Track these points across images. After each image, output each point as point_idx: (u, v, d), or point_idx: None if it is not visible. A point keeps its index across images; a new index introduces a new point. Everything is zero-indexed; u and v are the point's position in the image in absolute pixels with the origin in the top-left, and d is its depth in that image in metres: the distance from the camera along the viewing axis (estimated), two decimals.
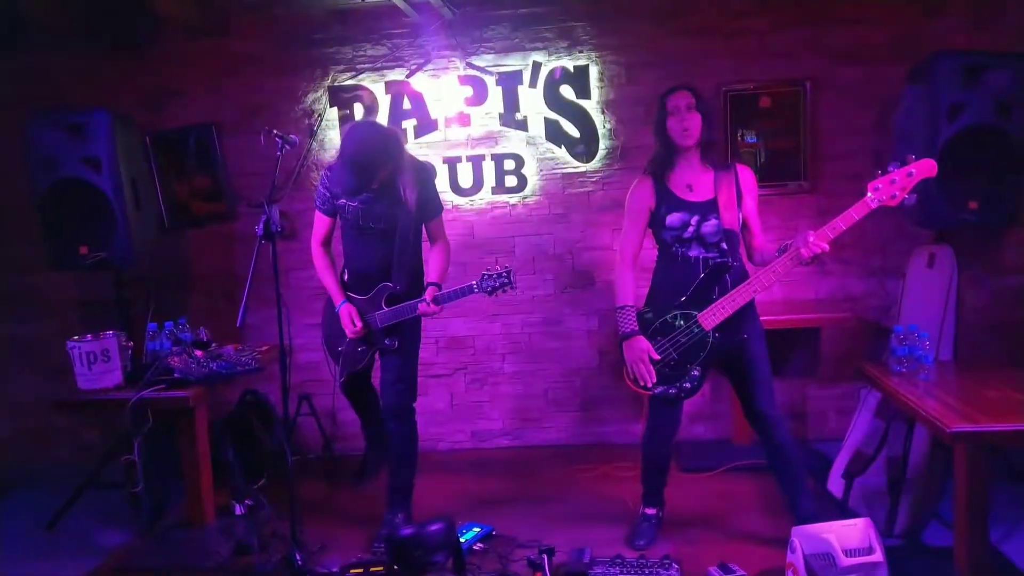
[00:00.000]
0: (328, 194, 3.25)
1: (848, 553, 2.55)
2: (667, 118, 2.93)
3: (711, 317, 2.87)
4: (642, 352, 2.93)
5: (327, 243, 3.36)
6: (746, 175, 3.00)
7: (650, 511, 3.24)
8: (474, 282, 3.13)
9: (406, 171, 3.14)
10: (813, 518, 2.87)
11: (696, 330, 2.89)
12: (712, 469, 3.85)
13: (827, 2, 4.06)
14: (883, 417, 3.35)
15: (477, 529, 3.29)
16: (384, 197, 3.13)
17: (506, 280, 3.10)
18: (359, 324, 3.21)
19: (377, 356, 3.36)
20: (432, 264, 3.30)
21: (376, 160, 3.00)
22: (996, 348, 3.81)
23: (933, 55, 3.42)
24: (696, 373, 2.92)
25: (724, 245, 2.93)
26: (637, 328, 2.95)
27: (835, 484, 3.48)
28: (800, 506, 3.00)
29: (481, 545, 3.21)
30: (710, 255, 2.92)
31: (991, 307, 3.92)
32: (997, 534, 2.91)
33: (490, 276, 3.11)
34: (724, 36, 4.15)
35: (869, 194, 2.68)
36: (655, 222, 3.01)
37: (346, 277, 3.35)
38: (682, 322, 2.91)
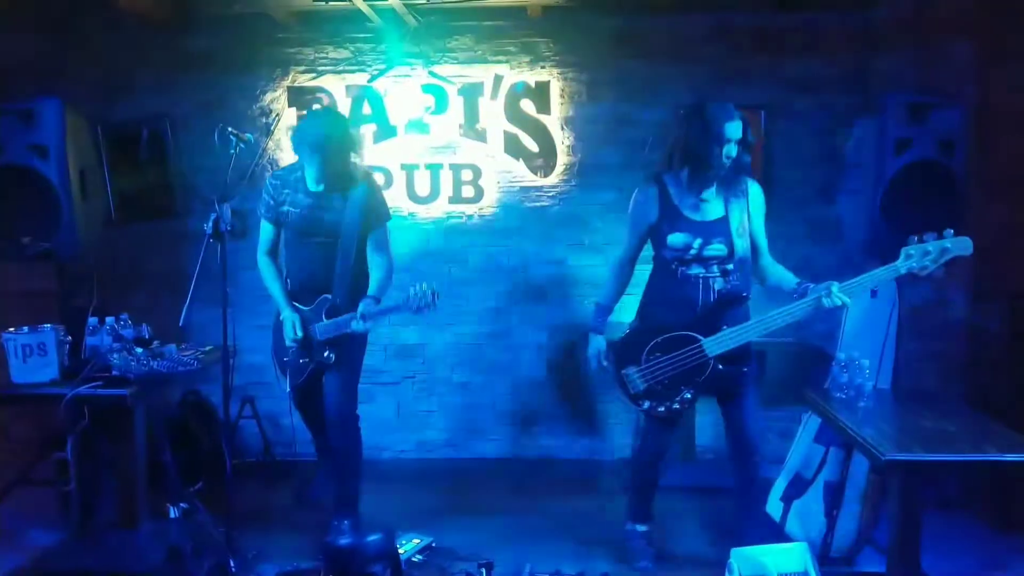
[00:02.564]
0: (272, 201, 3.24)
1: None
2: (718, 143, 2.74)
3: (717, 345, 2.82)
4: (597, 351, 3.02)
5: (273, 252, 3.36)
6: (757, 193, 2.94)
7: (642, 528, 3.21)
8: (401, 303, 3.09)
9: (355, 178, 3.16)
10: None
11: (698, 355, 2.85)
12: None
13: (780, 32, 4.17)
14: (823, 442, 3.41)
15: (417, 540, 3.27)
16: (330, 204, 3.14)
17: (431, 300, 3.04)
18: (300, 333, 3.21)
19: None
20: (373, 277, 3.25)
21: (339, 144, 3.04)
22: (933, 379, 3.91)
23: (882, 92, 3.54)
24: (688, 396, 2.90)
25: (730, 267, 2.86)
26: (602, 329, 3.04)
27: (773, 507, 3.53)
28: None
29: (420, 557, 3.19)
30: (710, 274, 2.87)
31: (930, 338, 4.03)
32: (928, 561, 2.97)
33: (416, 296, 3.05)
34: (682, 61, 4.22)
35: (901, 259, 2.64)
36: (656, 237, 2.95)
37: (290, 286, 3.34)
38: (684, 344, 2.86)
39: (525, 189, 4.39)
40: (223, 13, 4.16)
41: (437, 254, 4.42)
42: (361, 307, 3.10)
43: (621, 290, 3.07)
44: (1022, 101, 3.84)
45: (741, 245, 2.85)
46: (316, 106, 4.31)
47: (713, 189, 2.88)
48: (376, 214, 3.24)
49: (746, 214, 2.87)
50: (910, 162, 3.41)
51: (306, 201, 3.19)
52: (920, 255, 2.62)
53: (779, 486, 3.55)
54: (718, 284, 2.86)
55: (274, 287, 3.31)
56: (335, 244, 3.16)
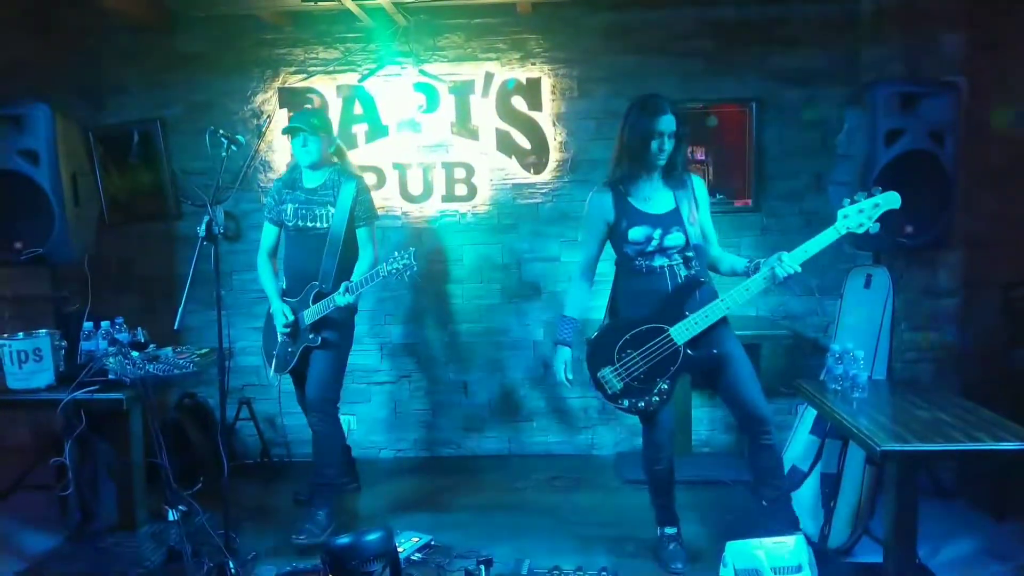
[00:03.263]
0: (274, 202, 3.48)
1: (776, 571, 2.59)
2: (651, 138, 2.85)
3: (683, 332, 2.87)
4: (563, 363, 3.05)
5: (273, 254, 3.60)
6: (700, 185, 3.03)
7: (670, 530, 3.19)
8: (380, 266, 3.21)
9: (345, 175, 3.42)
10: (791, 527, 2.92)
11: (667, 345, 2.88)
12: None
13: (769, 25, 4.17)
14: (818, 434, 3.42)
15: (416, 538, 3.27)
16: (322, 199, 3.38)
17: (408, 261, 3.15)
18: (290, 318, 3.41)
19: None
20: (357, 269, 3.42)
21: (317, 124, 3.32)
22: (928, 369, 3.93)
23: (870, 83, 3.53)
24: (665, 387, 2.91)
25: (690, 255, 2.92)
26: (569, 341, 3.06)
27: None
28: (776, 517, 2.98)
29: (419, 555, 3.20)
30: (673, 263, 2.92)
31: (925, 328, 4.04)
32: (925, 550, 2.99)
33: (394, 259, 3.17)
34: (672, 55, 4.23)
35: (839, 221, 2.77)
36: (616, 236, 2.98)
37: (284, 283, 3.54)
38: (653, 336, 2.89)
39: (518, 186, 4.39)
40: (212, 14, 4.16)
41: (431, 252, 4.42)
42: (342, 286, 3.26)
43: (585, 298, 3.10)
44: (1012, 90, 3.86)
45: (693, 233, 2.93)
46: (308, 106, 4.32)
47: (659, 183, 2.96)
48: (364, 212, 3.43)
49: (693, 205, 2.95)
50: (901, 152, 3.42)
51: (301, 197, 3.43)
52: (855, 213, 2.76)
53: None
54: (682, 272, 2.92)
55: (268, 285, 3.55)
56: (325, 236, 3.37)
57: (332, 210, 3.37)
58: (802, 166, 4.23)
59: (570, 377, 3.08)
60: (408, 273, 3.17)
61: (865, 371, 3.10)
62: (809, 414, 3.53)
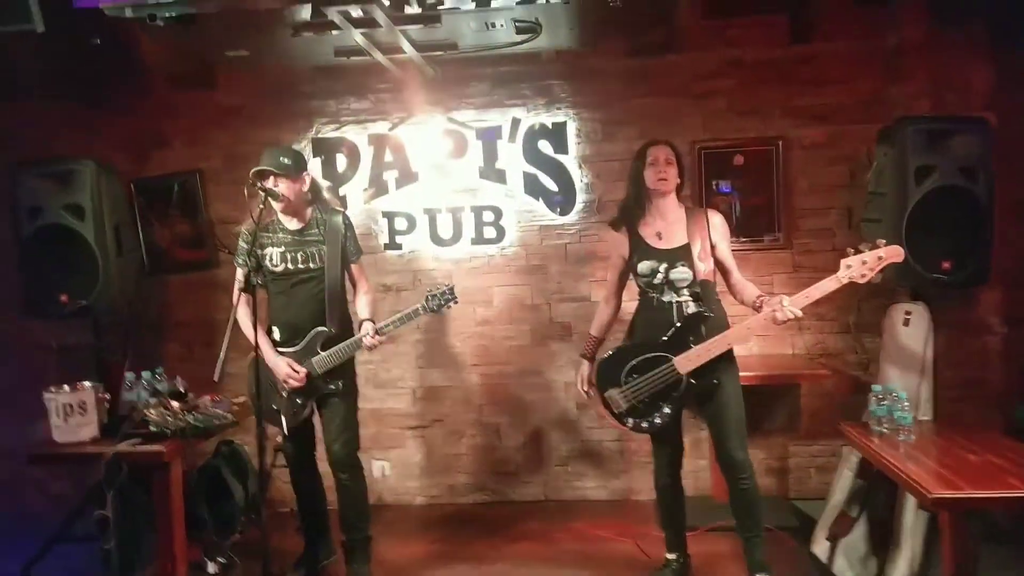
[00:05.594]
0: (247, 247, 3.20)
1: None
2: (644, 168, 3.08)
3: (686, 362, 2.97)
4: (584, 374, 3.28)
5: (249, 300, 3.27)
6: (718, 222, 3.12)
7: (670, 556, 3.30)
8: (419, 304, 3.21)
9: (328, 212, 3.34)
10: (761, 569, 3.02)
11: (670, 373, 2.99)
12: (692, 528, 3.81)
13: (793, 64, 4.19)
14: (865, 477, 3.36)
15: None
16: (310, 238, 3.28)
17: (449, 296, 3.21)
18: (301, 371, 3.22)
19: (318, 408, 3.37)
20: (360, 304, 3.37)
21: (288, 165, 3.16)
22: (975, 409, 3.85)
23: (899, 120, 3.52)
24: (667, 411, 3.04)
25: (698, 291, 3.01)
26: (591, 356, 3.29)
27: (819, 546, 3.47)
28: (751, 555, 3.09)
29: None
30: (681, 298, 3.03)
31: (969, 366, 3.96)
32: None
33: (433, 296, 3.21)
34: (695, 96, 4.25)
35: (841, 271, 2.83)
36: (629, 268, 3.17)
37: (276, 335, 3.32)
38: (658, 364, 3.01)
39: (546, 227, 4.42)
40: (250, 71, 4.29)
41: (461, 295, 4.40)
42: (366, 327, 3.20)
43: (607, 321, 3.33)
44: None
45: (703, 268, 3.02)
46: (335, 165, 4.42)
47: (673, 220, 3.10)
48: (354, 246, 3.39)
49: (708, 241, 3.05)
50: (932, 189, 3.40)
51: (285, 239, 3.28)
52: (859, 264, 2.82)
53: (823, 524, 3.49)
54: (690, 309, 3.02)
55: (251, 332, 3.08)
56: (320, 276, 3.25)
57: (324, 248, 3.26)
58: (832, 202, 4.21)
59: (587, 389, 3.27)
60: (449, 307, 3.19)
61: (910, 412, 3.06)
62: (853, 457, 3.46)
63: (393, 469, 4.54)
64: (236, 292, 3.21)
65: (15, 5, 3.22)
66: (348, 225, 3.35)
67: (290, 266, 3.27)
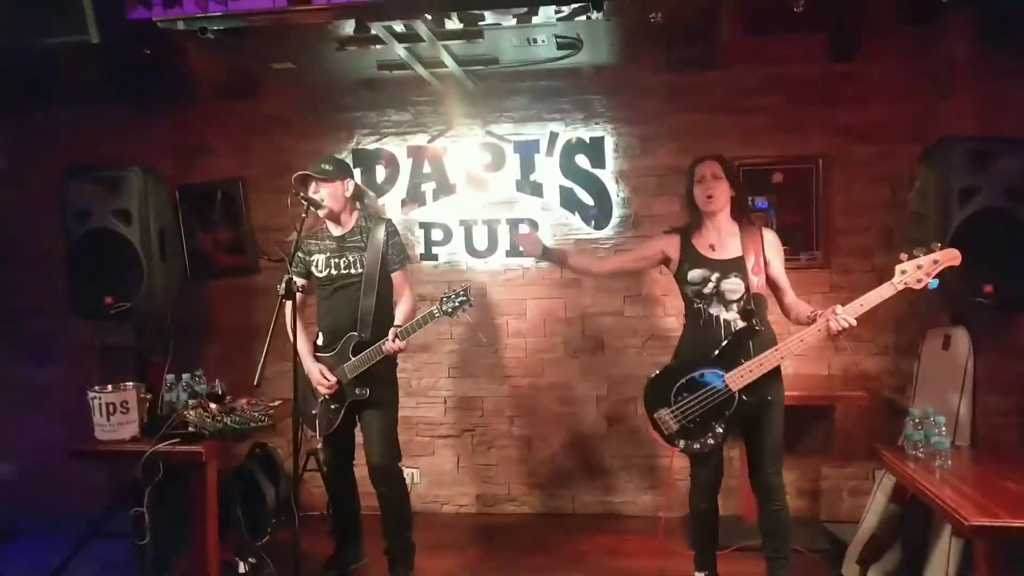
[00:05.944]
0: (301, 254, 3.38)
1: None
2: (694, 186, 3.07)
3: (738, 379, 2.92)
4: (532, 240, 3.38)
5: (299, 308, 3.34)
6: (772, 239, 3.11)
7: (699, 574, 3.25)
8: (434, 307, 3.18)
9: (372, 219, 3.36)
10: None
11: (723, 390, 2.93)
12: (722, 548, 3.77)
13: (836, 81, 4.15)
14: (899, 501, 3.30)
15: None
16: (352, 245, 3.31)
17: (464, 298, 3.16)
18: (331, 378, 3.27)
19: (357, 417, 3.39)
20: (397, 311, 3.35)
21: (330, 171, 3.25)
22: (1015, 435, 3.76)
23: (943, 140, 3.47)
24: (720, 430, 2.97)
25: (750, 306, 2.97)
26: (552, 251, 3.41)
27: (849, 570, 3.41)
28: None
29: None
30: (730, 315, 2.98)
31: (1009, 392, 3.87)
32: None
33: (448, 298, 3.17)
34: (736, 112, 4.23)
35: (896, 276, 2.76)
36: (679, 278, 3.13)
37: (319, 340, 3.40)
38: (709, 381, 2.95)
39: (581, 241, 4.43)
40: (293, 82, 4.38)
41: (495, 306, 4.49)
42: (391, 330, 3.18)
43: (587, 265, 3.55)
44: None
45: (756, 282, 2.99)
46: (375, 176, 4.51)
47: (726, 234, 3.07)
48: (397, 254, 3.37)
49: (762, 257, 3.02)
50: (976, 211, 3.35)
51: (332, 245, 3.34)
52: (914, 268, 2.75)
53: (854, 548, 3.43)
54: (738, 326, 2.98)
55: (297, 340, 3.21)
56: (358, 283, 3.28)
57: (363, 254, 3.29)
58: (872, 222, 4.16)
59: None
60: (464, 309, 3.14)
61: (947, 437, 3.00)
62: (887, 480, 3.41)
63: (423, 477, 4.57)
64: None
65: (73, 17, 3.33)
66: (391, 232, 3.36)
67: (333, 271, 3.32)
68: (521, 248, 3.49)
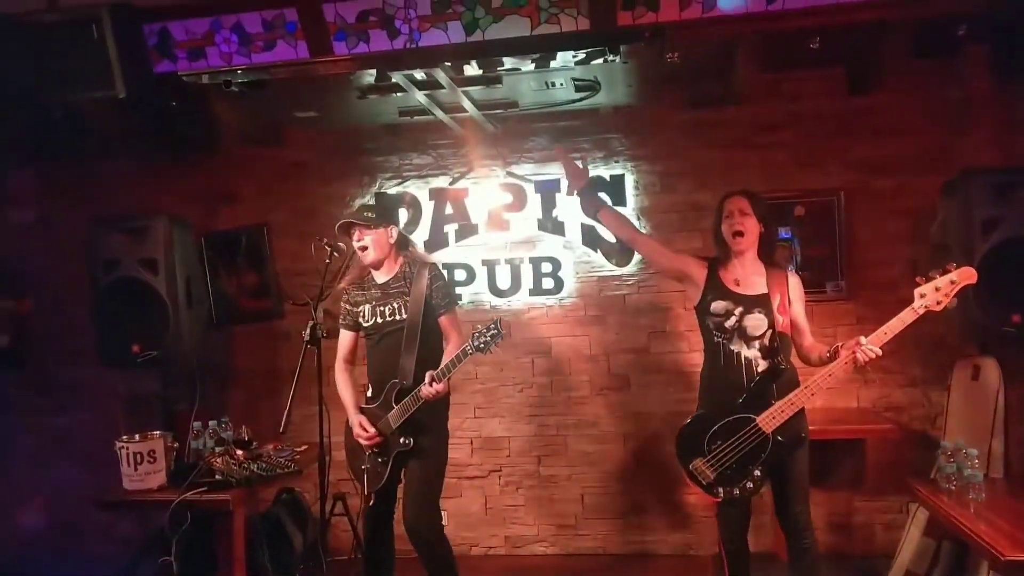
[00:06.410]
0: (349, 307, 3.33)
1: None
2: (722, 221, 3.06)
3: (770, 420, 2.88)
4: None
5: (351, 360, 3.40)
6: (795, 283, 3.09)
7: None
8: (467, 344, 3.01)
9: (415, 264, 3.27)
10: None
11: (756, 433, 2.89)
12: None
13: (855, 115, 4.17)
14: (933, 536, 3.24)
15: None
16: (395, 291, 3.22)
17: (496, 331, 2.99)
18: (370, 430, 3.14)
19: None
20: (444, 357, 3.18)
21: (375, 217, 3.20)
22: None
23: (964, 172, 3.47)
24: (758, 474, 2.93)
25: (776, 344, 2.95)
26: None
27: None
28: None
29: None
30: (751, 353, 2.95)
31: None
32: None
33: (480, 333, 2.99)
34: (756, 147, 4.25)
35: (916, 300, 2.74)
36: (700, 308, 3.10)
37: (369, 392, 3.31)
38: (742, 426, 2.91)
39: (603, 278, 4.44)
40: (316, 128, 4.46)
41: (519, 345, 4.48)
42: (427, 374, 3.04)
43: (623, 223, 3.42)
44: None
45: (780, 320, 2.97)
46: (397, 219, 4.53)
47: (752, 271, 3.05)
48: (442, 298, 3.24)
49: (787, 298, 3.00)
50: (999, 242, 3.33)
51: (377, 294, 3.26)
52: (932, 291, 2.73)
53: None
54: (760, 366, 2.95)
55: (345, 394, 3.30)
56: (402, 329, 3.16)
57: (406, 301, 3.17)
58: (897, 254, 4.14)
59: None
60: (496, 343, 2.99)
61: (980, 470, 2.96)
62: (921, 514, 3.35)
63: (450, 519, 4.53)
64: (338, 356, 3.35)
65: (100, 73, 3.41)
66: (435, 276, 3.24)
67: (378, 320, 3.23)
68: (566, 174, 3.42)
